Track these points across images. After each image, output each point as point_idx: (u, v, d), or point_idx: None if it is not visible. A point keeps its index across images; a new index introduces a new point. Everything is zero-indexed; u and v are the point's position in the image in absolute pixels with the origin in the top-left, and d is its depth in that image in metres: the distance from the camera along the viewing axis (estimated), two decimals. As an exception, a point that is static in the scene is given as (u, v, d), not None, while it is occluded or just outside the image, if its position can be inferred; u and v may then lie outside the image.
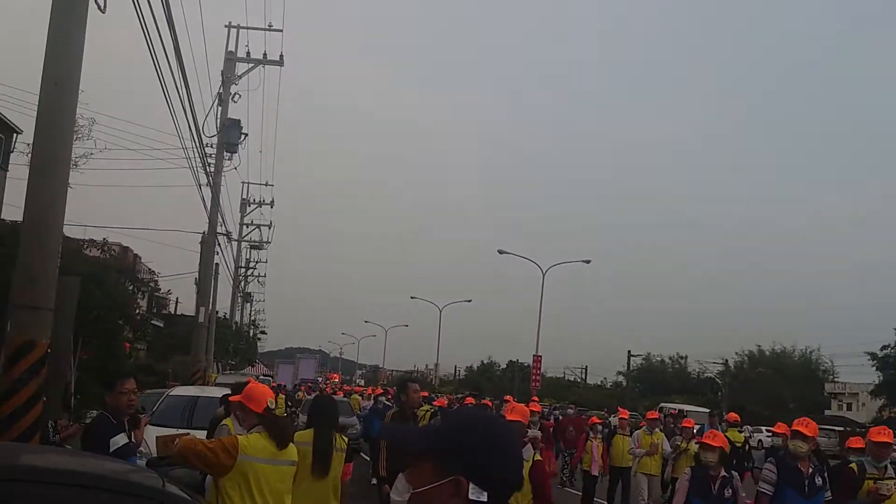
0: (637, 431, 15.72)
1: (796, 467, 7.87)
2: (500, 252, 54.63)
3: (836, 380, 77.83)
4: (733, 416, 17.99)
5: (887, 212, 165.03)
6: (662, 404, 52.17)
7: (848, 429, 53.13)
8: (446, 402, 22.93)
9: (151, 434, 11.52)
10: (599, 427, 16.93)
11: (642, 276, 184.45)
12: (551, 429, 20.08)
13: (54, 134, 9.24)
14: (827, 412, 70.31)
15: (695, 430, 17.71)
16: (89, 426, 7.15)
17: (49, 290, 8.94)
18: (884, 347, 58.68)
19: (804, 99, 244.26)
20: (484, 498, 1.97)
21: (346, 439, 7.52)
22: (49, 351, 8.94)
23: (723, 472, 7.82)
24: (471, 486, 1.97)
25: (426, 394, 31.92)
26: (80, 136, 22.12)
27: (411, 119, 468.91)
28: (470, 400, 20.53)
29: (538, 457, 6.98)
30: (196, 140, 21.92)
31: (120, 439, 6.56)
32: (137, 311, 25.36)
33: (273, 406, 5.91)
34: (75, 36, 9.41)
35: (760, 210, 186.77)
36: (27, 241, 9.09)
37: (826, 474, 8.10)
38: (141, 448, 13.34)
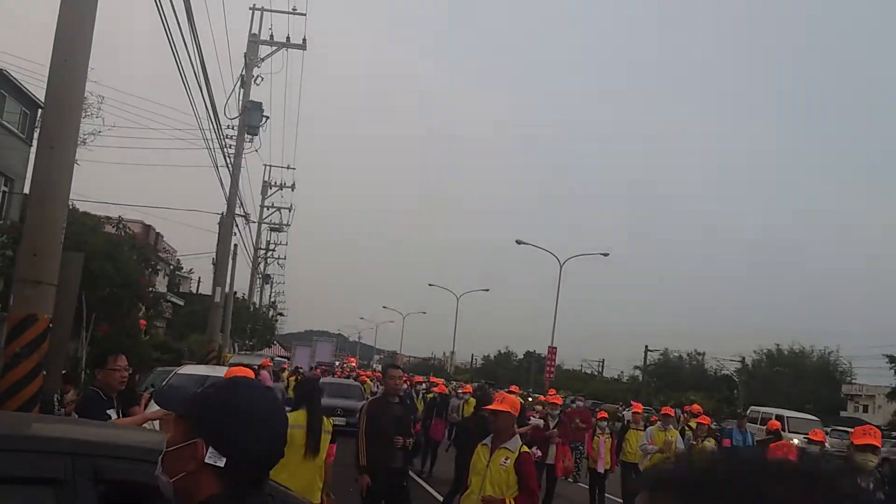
0: (650, 427, 14.96)
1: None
2: (518, 242, 54.54)
3: (853, 381, 77.23)
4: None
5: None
6: (753, 407, 47.60)
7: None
8: (447, 388, 22.92)
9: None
10: (606, 423, 16.17)
11: (662, 271, 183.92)
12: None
13: (62, 110, 9.36)
14: (843, 413, 69.84)
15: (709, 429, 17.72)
16: (80, 402, 7.28)
17: (52, 265, 9.06)
18: (902, 351, 58.28)
19: (832, 99, 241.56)
20: (221, 463, 2.03)
21: (331, 421, 7.62)
22: (51, 325, 9.06)
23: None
24: (209, 450, 2.03)
25: (419, 379, 32.21)
26: (88, 113, 22.26)
27: (435, 107, 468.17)
28: (468, 388, 20.25)
29: (525, 448, 6.95)
30: (214, 122, 22.05)
31: (110, 415, 6.67)
32: (151, 288, 25.50)
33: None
34: (85, 13, 9.51)
35: (783, 210, 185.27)
36: (32, 216, 9.23)
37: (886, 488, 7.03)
38: (145, 426, 13.59)
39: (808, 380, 71.40)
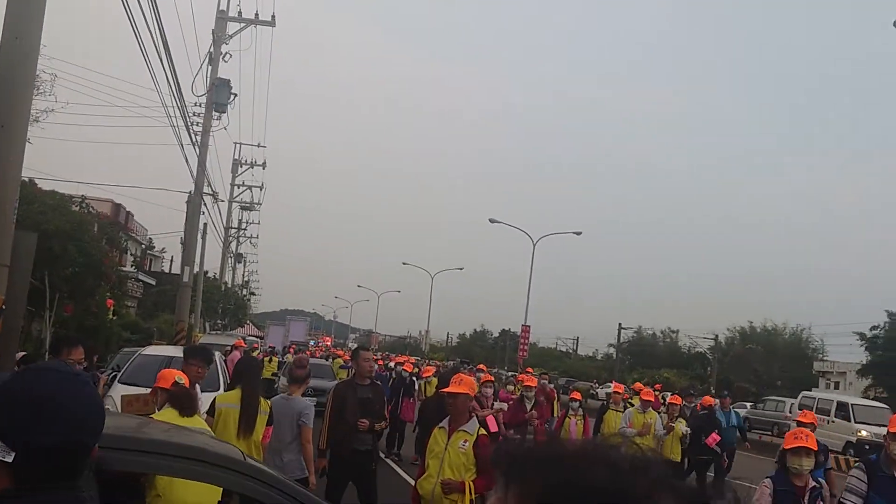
0: (629, 410, 14.64)
1: (892, 476, 6.37)
2: (492, 221, 54.48)
3: (824, 359, 78.02)
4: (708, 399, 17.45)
5: (885, 192, 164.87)
6: (806, 393, 40.59)
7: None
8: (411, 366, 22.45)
9: (119, 393, 11.53)
10: (578, 404, 15.47)
11: (635, 250, 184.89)
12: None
13: (13, 88, 9.13)
14: (815, 390, 70.55)
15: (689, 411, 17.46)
16: None
17: (4, 245, 8.86)
18: (873, 328, 58.90)
19: (807, 79, 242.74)
20: (9, 458, 1.92)
21: (269, 403, 7.54)
22: (3, 307, 8.86)
23: (812, 482, 6.36)
24: None
25: (401, 359, 31.98)
26: (41, 91, 21.87)
27: (406, 86, 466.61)
28: (429, 370, 19.55)
29: (483, 431, 6.90)
30: (177, 98, 21.72)
31: None
32: (121, 267, 25.22)
33: (181, 381, 5.98)
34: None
35: (758, 188, 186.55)
36: (-18, 196, 8.99)
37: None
38: (107, 406, 13.39)
39: (781, 357, 72.06)
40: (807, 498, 6.22)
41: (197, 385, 7.58)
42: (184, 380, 6.03)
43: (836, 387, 77.52)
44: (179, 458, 3.87)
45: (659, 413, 14.98)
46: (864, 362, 62.00)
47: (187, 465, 3.88)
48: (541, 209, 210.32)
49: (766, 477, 6.46)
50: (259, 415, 7.25)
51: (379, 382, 10.29)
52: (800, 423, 10.32)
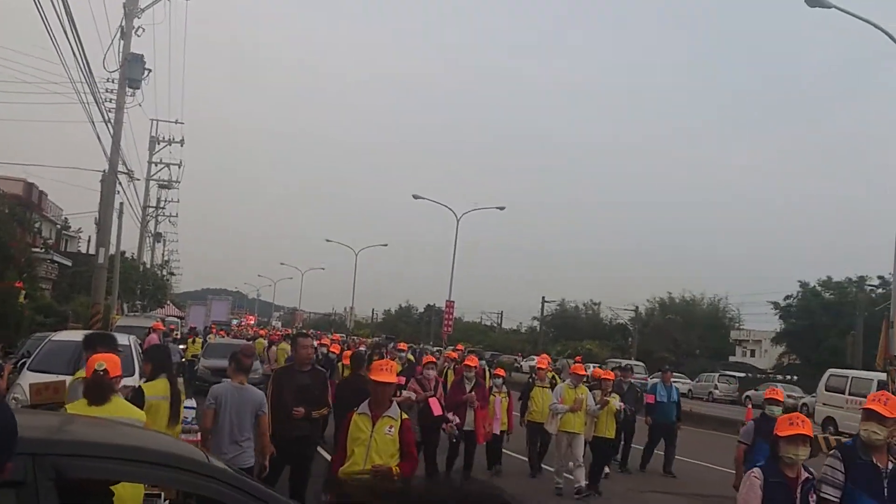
0: (560, 385, 14.05)
1: (871, 463, 5.77)
2: (415, 197, 54.36)
3: (741, 327, 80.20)
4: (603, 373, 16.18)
5: (794, 161, 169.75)
6: (833, 370, 34.18)
7: (749, 375, 54.87)
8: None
9: (28, 381, 11.10)
10: (502, 380, 15.14)
11: (558, 223, 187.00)
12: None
13: None
14: (731, 359, 72.52)
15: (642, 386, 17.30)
16: None
17: None
18: (786, 297, 60.67)
19: (707, 49, 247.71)
20: None
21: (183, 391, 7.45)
22: None
23: (804, 473, 5.72)
24: None
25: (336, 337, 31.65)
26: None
27: (324, 59, 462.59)
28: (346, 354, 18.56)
29: (405, 416, 6.95)
30: (86, 74, 21.00)
31: None
32: (25, 250, 24.36)
33: (102, 369, 5.76)
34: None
35: (674, 156, 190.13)
36: None
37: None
38: (16, 395, 12.90)
39: (699, 327, 73.85)
40: (799, 491, 5.62)
41: None
42: (105, 365, 5.79)
43: (753, 354, 79.92)
44: (142, 462, 3.68)
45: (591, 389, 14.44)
46: (779, 330, 63.83)
47: (151, 471, 3.70)
48: (464, 185, 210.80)
49: (756, 466, 5.88)
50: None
51: (322, 368, 10.16)
52: (771, 401, 10.06)
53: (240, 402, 8.02)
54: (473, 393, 13.25)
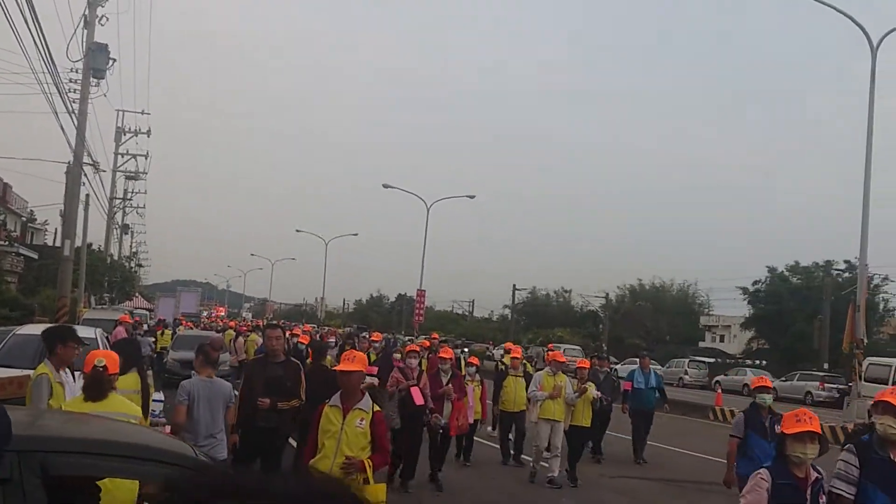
0: (539, 373, 13.89)
1: (887, 459, 5.53)
2: (385, 186, 54.21)
3: (710, 313, 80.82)
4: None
5: (763, 148, 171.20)
6: (872, 359, 31.45)
7: (719, 360, 55.35)
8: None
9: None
10: (475, 369, 14.92)
11: (529, 211, 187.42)
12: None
13: None
14: (701, 344, 73.12)
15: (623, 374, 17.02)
16: None
17: None
18: (755, 283, 61.11)
19: (679, 31, 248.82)
20: None
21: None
22: None
23: (814, 473, 5.41)
24: None
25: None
26: None
27: (293, 49, 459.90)
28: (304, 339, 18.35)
29: (377, 408, 6.85)
30: (48, 64, 20.67)
31: None
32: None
33: (101, 365, 5.78)
34: None
35: (641, 145, 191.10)
36: None
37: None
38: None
39: (669, 313, 74.31)
40: (809, 492, 5.30)
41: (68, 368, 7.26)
42: (105, 361, 5.75)
43: (722, 339, 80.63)
44: (130, 458, 3.63)
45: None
46: (747, 315, 64.33)
47: (139, 466, 3.62)
48: (434, 175, 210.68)
49: (762, 467, 5.55)
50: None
51: (295, 360, 10.05)
52: (760, 389, 9.47)
53: (210, 396, 7.95)
54: (450, 385, 12.77)
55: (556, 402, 13.09)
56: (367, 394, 6.86)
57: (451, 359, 13.58)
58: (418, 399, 11.63)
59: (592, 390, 13.95)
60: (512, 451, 14.93)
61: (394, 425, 11.04)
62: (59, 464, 3.17)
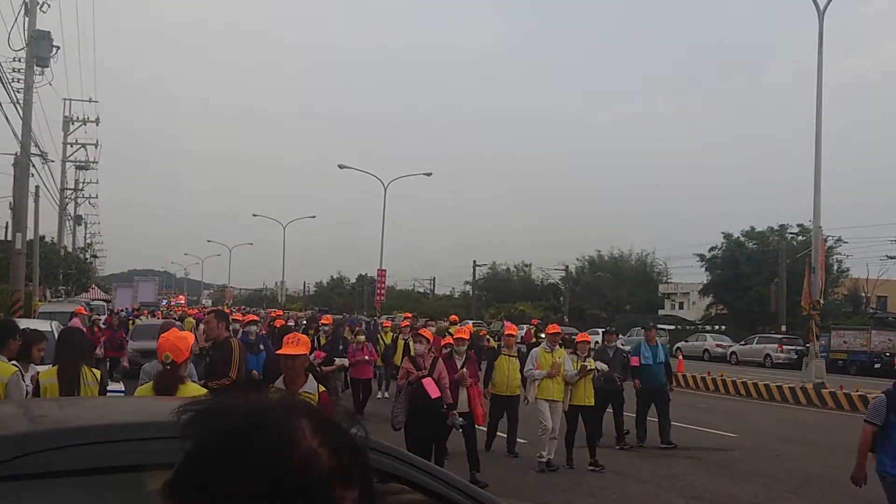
0: (535, 349, 12.98)
1: None
2: (341, 167, 53.82)
3: (669, 281, 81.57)
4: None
5: (715, 116, 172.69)
6: None
7: (679, 327, 55.96)
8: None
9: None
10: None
11: (483, 188, 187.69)
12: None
13: None
14: (661, 312, 73.80)
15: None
16: None
17: None
18: (711, 249, 61.79)
19: (635, 10, 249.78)
20: None
21: (97, 373, 7.16)
22: None
23: None
24: None
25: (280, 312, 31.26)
26: None
27: (246, 28, 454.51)
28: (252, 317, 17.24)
29: (322, 388, 6.69)
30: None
31: None
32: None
33: (168, 362, 5.70)
34: None
35: (597, 115, 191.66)
36: None
37: None
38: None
39: (628, 282, 74.89)
40: None
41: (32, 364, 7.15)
42: (171, 357, 5.47)
43: (681, 307, 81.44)
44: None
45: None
46: (705, 282, 65.08)
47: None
48: (390, 153, 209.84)
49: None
50: (84, 386, 6.85)
51: (232, 341, 9.93)
52: None
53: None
54: (465, 370, 11.44)
55: (555, 380, 12.23)
56: (310, 376, 6.74)
57: (467, 339, 12.29)
58: (434, 392, 10.20)
59: (596, 364, 13.21)
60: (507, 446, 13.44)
61: (395, 425, 10.27)
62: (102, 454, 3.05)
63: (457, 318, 30.22)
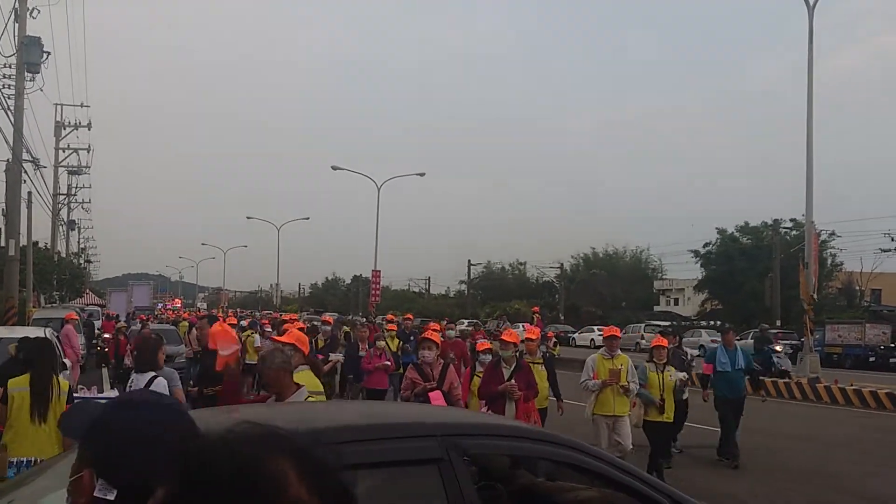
0: (592, 356, 11.21)
1: None
2: (335, 168, 53.80)
3: (664, 277, 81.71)
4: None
5: (710, 112, 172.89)
6: None
7: (674, 323, 56.02)
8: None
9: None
10: (489, 356, 10.76)
11: (477, 187, 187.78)
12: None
13: None
14: (656, 308, 73.95)
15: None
16: None
17: None
18: (706, 245, 61.84)
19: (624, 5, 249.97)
20: (111, 496, 1.73)
21: (63, 383, 7.17)
22: None
23: None
24: (99, 482, 1.75)
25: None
26: None
27: (238, 35, 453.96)
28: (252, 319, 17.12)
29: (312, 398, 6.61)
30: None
31: None
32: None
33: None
34: None
35: (591, 114, 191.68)
36: None
37: None
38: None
39: (623, 279, 75.01)
40: None
41: None
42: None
43: (676, 302, 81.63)
44: (523, 439, 4.16)
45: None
46: (700, 277, 65.13)
47: (532, 446, 4.15)
48: (383, 154, 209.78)
49: None
50: (57, 396, 6.85)
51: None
52: None
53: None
54: (514, 381, 9.46)
55: (615, 391, 10.56)
56: (303, 387, 6.65)
57: (516, 342, 10.27)
58: (440, 404, 8.84)
59: (676, 374, 11.73)
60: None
61: None
62: (473, 445, 3.73)
63: (538, 308, 28.77)
